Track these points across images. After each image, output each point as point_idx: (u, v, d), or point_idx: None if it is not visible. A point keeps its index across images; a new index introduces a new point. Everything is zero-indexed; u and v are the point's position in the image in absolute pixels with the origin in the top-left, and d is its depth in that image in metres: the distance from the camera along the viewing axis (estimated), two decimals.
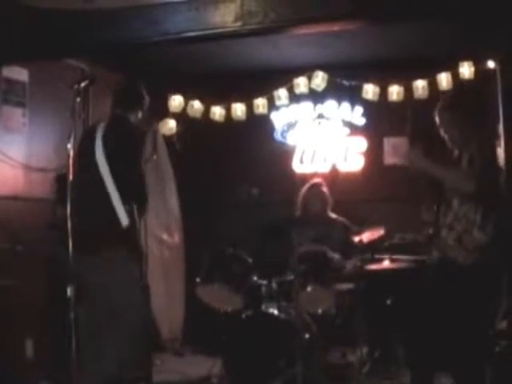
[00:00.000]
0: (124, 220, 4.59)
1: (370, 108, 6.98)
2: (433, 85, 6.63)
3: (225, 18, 4.55)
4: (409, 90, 6.71)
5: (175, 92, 7.31)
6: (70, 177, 4.08)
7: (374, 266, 5.79)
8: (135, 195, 4.76)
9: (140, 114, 5.04)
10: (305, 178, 6.97)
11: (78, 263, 4.29)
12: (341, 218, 6.44)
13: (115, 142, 4.72)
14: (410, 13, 4.52)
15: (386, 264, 5.85)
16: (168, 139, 7.30)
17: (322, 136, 7.32)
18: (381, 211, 6.56)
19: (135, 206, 4.75)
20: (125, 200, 4.64)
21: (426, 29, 5.80)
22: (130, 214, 4.66)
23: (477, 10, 4.38)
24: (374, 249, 5.94)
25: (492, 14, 4.36)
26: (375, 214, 6.47)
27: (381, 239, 6.04)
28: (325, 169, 7.30)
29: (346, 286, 5.74)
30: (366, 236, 5.85)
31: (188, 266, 7.23)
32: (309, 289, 5.41)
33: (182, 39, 4.80)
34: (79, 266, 4.30)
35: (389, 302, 5.89)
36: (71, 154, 4.03)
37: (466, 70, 6.50)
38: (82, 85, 4.17)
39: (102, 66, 6.58)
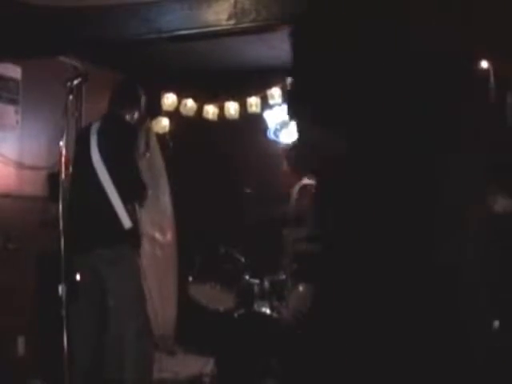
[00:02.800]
0: (127, 223, 4.62)
1: None
2: None
3: (218, 16, 4.54)
4: None
5: (168, 90, 7.29)
6: (63, 174, 4.11)
7: None
8: (135, 193, 4.79)
9: (136, 114, 5.09)
10: (298, 177, 6.94)
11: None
12: None
13: (109, 140, 4.75)
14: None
15: None
16: (161, 137, 7.29)
17: None
18: None
19: (136, 204, 4.80)
20: (125, 199, 4.67)
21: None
22: (131, 213, 4.70)
23: (470, 9, 4.39)
24: None
25: (486, 12, 4.35)
26: None
27: None
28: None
29: None
30: None
31: (180, 264, 7.22)
32: (301, 288, 5.41)
33: (175, 37, 4.80)
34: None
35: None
36: (63, 151, 4.05)
37: None
38: (75, 82, 4.19)
39: (95, 63, 6.56)
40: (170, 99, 7.28)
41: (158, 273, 7.02)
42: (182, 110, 7.28)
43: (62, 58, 6.14)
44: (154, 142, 7.22)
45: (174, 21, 4.69)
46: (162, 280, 7.07)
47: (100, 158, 4.71)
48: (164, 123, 7.36)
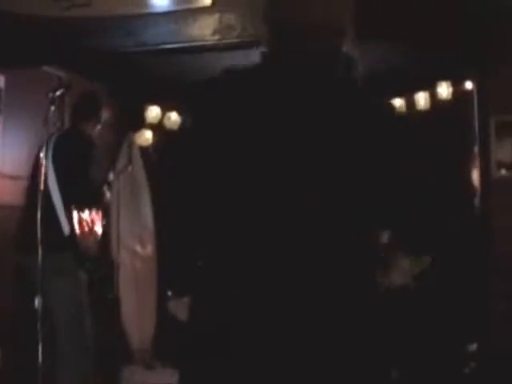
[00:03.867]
0: (67, 229, 4.56)
1: None
2: (410, 104, 6.63)
3: (203, 31, 4.55)
4: None
5: (152, 103, 7.25)
6: (42, 185, 4.07)
7: None
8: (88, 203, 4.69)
9: (98, 126, 5.00)
10: None
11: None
12: None
13: (62, 155, 4.68)
14: (380, 33, 4.58)
15: None
16: (144, 150, 7.25)
17: None
18: None
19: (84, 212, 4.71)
20: (68, 207, 4.60)
21: (404, 46, 5.80)
22: (71, 223, 4.62)
23: (449, 32, 4.43)
24: None
25: (468, 34, 4.38)
26: None
27: None
28: None
29: None
30: None
31: (160, 278, 7.17)
32: None
33: (159, 51, 4.80)
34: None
35: None
36: (44, 162, 4.02)
37: (444, 90, 6.49)
38: (57, 93, 4.15)
39: (80, 74, 6.51)
40: (153, 112, 7.24)
41: (137, 286, 6.99)
42: (166, 122, 7.24)
43: (46, 68, 6.10)
44: (136, 155, 7.19)
45: (159, 34, 4.69)
46: (141, 293, 7.03)
47: (53, 170, 4.66)
48: (147, 136, 7.31)
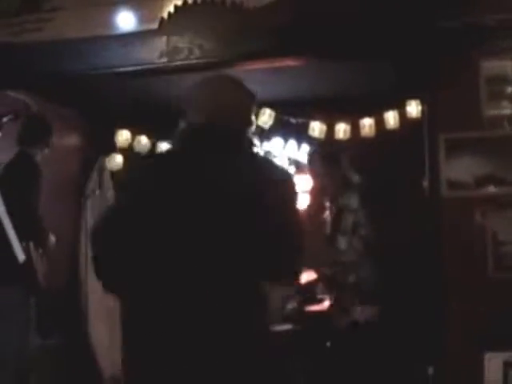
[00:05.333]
0: (20, 256, 4.44)
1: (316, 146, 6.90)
2: (380, 123, 6.55)
3: (151, 54, 4.52)
4: (356, 128, 6.63)
5: (122, 126, 7.14)
6: None
7: (313, 307, 5.69)
8: (30, 233, 4.63)
9: (46, 150, 4.95)
10: None
11: None
12: None
13: (11, 181, 4.62)
14: (344, 51, 4.54)
15: (326, 305, 5.74)
16: (116, 174, 7.15)
17: None
18: (324, 252, 6.43)
19: (31, 244, 4.63)
20: (22, 237, 4.50)
21: (374, 66, 5.75)
22: (26, 251, 4.52)
23: (412, 51, 4.40)
24: (313, 289, 5.82)
25: (419, 54, 4.34)
26: (318, 254, 6.36)
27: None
28: None
29: (283, 327, 5.62)
30: (304, 277, 5.72)
31: None
32: None
33: (109, 75, 4.76)
34: None
35: (328, 344, 5.74)
36: None
37: (414, 108, 6.40)
38: (5, 120, 4.08)
39: (48, 99, 6.45)
40: (124, 135, 7.11)
41: (109, 314, 6.87)
42: (136, 146, 7.12)
43: (10, 93, 6.04)
44: (107, 180, 7.13)
45: (108, 58, 4.66)
46: (113, 321, 6.92)
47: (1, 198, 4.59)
48: (118, 160, 7.19)
